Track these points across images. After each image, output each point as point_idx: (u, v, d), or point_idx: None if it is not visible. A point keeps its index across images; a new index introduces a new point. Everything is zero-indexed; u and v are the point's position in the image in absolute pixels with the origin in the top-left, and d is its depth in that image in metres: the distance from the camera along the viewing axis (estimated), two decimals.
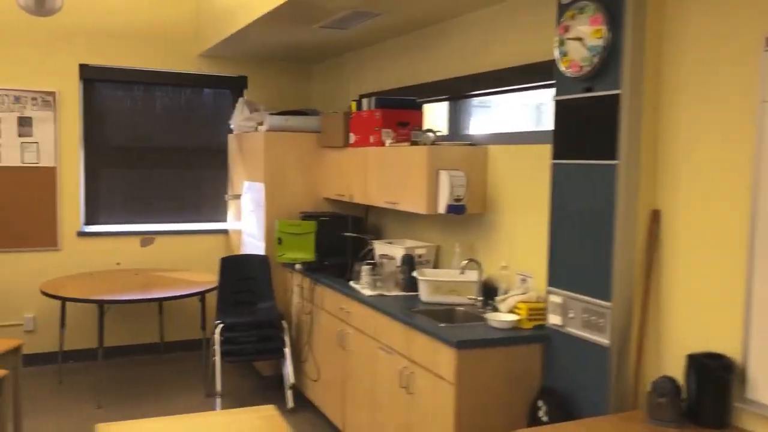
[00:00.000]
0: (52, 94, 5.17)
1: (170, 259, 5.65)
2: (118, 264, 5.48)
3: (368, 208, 4.95)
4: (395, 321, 3.32)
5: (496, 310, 3.25)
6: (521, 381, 2.96)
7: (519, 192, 3.43)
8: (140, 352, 5.60)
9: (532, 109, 3.86)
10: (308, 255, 4.60)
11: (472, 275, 3.49)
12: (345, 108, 5.24)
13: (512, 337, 2.94)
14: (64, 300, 4.51)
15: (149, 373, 5.18)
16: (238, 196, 5.48)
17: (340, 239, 4.61)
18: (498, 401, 2.92)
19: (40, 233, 5.18)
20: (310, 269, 4.48)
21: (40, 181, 5.17)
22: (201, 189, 5.83)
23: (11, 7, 4.98)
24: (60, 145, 5.23)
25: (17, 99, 5.07)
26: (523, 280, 3.35)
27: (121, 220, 5.59)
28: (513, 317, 3.05)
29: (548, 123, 3.56)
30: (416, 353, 3.15)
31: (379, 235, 4.76)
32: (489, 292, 3.49)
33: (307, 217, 4.76)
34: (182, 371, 5.25)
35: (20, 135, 5.09)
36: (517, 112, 3.95)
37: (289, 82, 5.99)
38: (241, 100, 5.43)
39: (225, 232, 5.82)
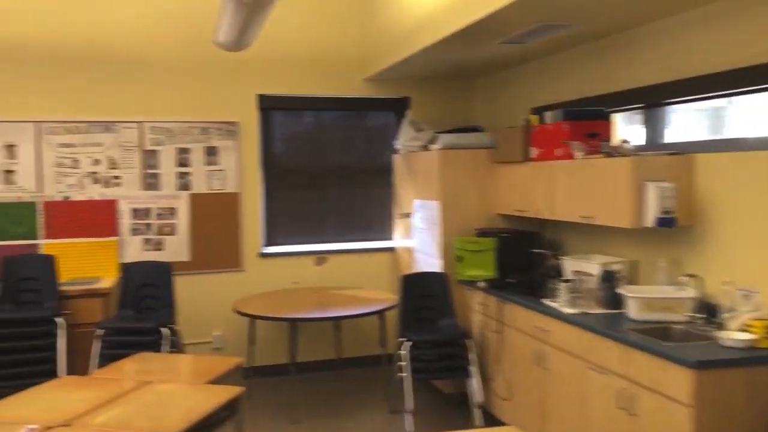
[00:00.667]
0: (234, 124, 5.51)
1: (342, 277, 5.82)
2: (295, 283, 5.72)
3: (544, 223, 4.87)
4: (608, 339, 3.21)
5: (721, 328, 3.07)
6: (761, 403, 2.76)
7: (740, 202, 3.23)
8: (318, 368, 5.79)
9: (708, 115, 3.65)
10: (488, 272, 4.58)
11: (689, 291, 3.32)
12: (512, 122, 5.20)
13: (753, 357, 2.75)
14: (254, 318, 4.75)
15: (330, 389, 5.33)
16: (407, 215, 5.56)
17: (521, 255, 4.55)
18: (737, 424, 2.73)
19: (227, 255, 5.51)
20: (493, 287, 4.45)
21: (226, 207, 5.51)
22: (368, 208, 5.98)
23: (201, 44, 5.37)
24: (242, 172, 5.55)
25: (204, 130, 5.45)
26: (747, 296, 3.13)
27: (297, 241, 5.83)
28: (748, 335, 2.86)
29: (731, 129, 3.34)
30: (637, 373, 3.01)
31: (559, 251, 4.66)
32: (707, 309, 3.30)
33: (483, 233, 4.74)
34: (362, 387, 5.36)
35: (207, 164, 5.46)
36: (691, 118, 3.75)
37: (450, 99, 6.03)
38: (406, 120, 5.53)
39: (392, 249, 5.93)
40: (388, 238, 6.00)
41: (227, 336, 5.54)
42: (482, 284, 4.51)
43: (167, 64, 5.36)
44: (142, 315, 4.86)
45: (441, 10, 4.14)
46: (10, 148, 5.06)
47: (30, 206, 5.09)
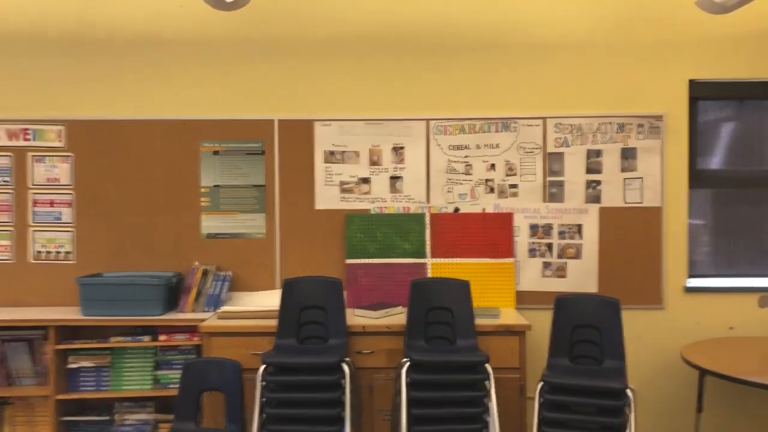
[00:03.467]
0: (659, 118, 4.30)
1: None
2: (731, 329, 4.35)
3: None
4: None
5: None
6: None
7: None
8: None
9: None
10: None
11: None
12: None
13: None
14: (711, 374, 3.48)
15: None
16: None
17: None
18: None
19: (643, 288, 4.30)
20: None
21: (644, 225, 4.29)
22: None
23: (617, 20, 4.25)
24: (666, 180, 4.33)
25: (621, 127, 4.31)
26: None
27: (732, 273, 4.46)
28: None
29: None
30: None
31: None
32: None
33: None
34: None
35: (623, 170, 4.31)
36: None
37: None
38: None
39: None
40: None
41: (647, 394, 4.34)
42: None
43: (575, 46, 4.30)
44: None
45: None
46: (397, 150, 4.36)
47: (419, 219, 4.34)
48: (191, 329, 3.95)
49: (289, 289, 3.70)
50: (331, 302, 3.67)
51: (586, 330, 3.50)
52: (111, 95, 4.35)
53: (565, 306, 3.57)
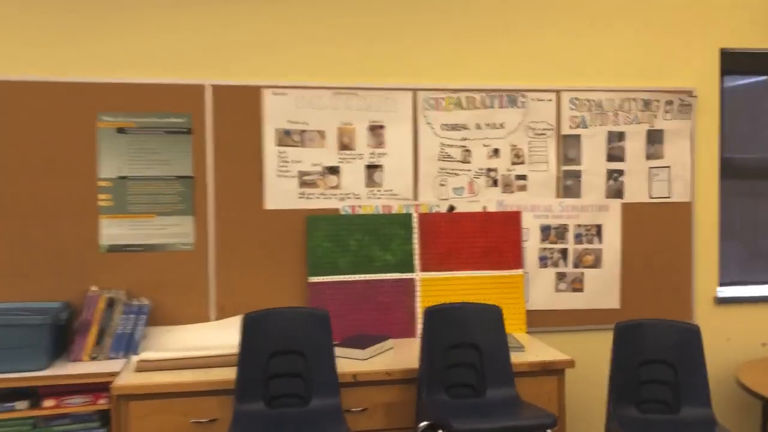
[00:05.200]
0: (690, 93, 3.54)
1: None
2: (763, 345, 3.70)
3: None
4: None
5: None
6: None
7: None
8: None
9: None
10: None
11: None
12: None
13: None
14: None
15: None
16: None
17: None
18: None
19: (669, 298, 3.54)
20: None
21: (671, 224, 3.53)
22: None
23: None
24: (696, 170, 3.59)
25: (646, 104, 3.52)
26: None
27: (762, 280, 3.82)
28: None
29: None
30: None
31: None
32: None
33: None
34: None
35: (648, 157, 3.53)
36: None
37: None
38: None
39: None
40: None
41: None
42: None
43: (593, 7, 3.48)
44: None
45: None
46: (375, 130, 3.30)
47: (404, 221, 3.30)
48: (93, 388, 2.66)
49: (253, 327, 2.53)
50: (314, 344, 2.56)
51: (658, 367, 2.65)
52: None
53: (628, 335, 2.68)
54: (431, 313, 2.67)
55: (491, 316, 2.70)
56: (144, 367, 2.65)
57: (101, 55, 3.05)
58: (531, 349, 2.95)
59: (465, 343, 2.65)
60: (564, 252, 3.43)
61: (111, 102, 3.04)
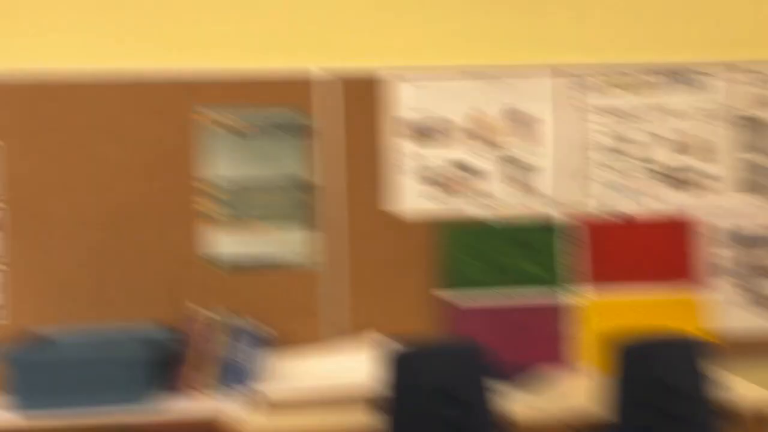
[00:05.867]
0: None
1: None
2: None
3: None
4: None
5: None
6: None
7: None
8: None
9: None
10: None
11: None
12: None
13: None
14: None
15: None
16: None
17: None
18: None
19: None
20: None
21: None
22: None
23: None
24: None
25: None
26: None
27: None
28: None
29: None
30: None
31: None
32: None
33: None
34: None
35: None
36: None
37: None
38: None
39: None
40: None
41: None
42: None
43: None
44: None
45: None
46: (517, 118, 2.79)
47: (557, 230, 2.74)
48: (204, 429, 2.26)
49: (404, 368, 2.03)
50: (471, 384, 2.02)
51: None
52: (47, 38, 2.66)
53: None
54: (631, 350, 2.07)
55: (689, 351, 2.09)
56: (275, 404, 2.20)
57: (199, 41, 2.70)
58: (736, 389, 2.32)
59: (660, 385, 2.05)
60: (755, 269, 2.78)
61: (211, 95, 2.66)
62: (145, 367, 2.26)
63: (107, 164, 2.61)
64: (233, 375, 2.39)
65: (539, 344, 2.64)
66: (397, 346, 2.08)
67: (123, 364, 2.23)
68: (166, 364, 2.47)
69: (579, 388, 2.38)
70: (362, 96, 2.68)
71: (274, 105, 2.66)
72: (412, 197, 2.68)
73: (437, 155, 2.70)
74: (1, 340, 2.50)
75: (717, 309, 2.71)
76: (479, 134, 2.70)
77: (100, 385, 2.20)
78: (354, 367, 2.31)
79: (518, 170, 2.70)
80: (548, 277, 2.68)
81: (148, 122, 2.62)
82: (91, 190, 2.60)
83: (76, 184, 2.60)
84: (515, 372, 2.44)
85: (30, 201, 2.59)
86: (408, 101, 2.68)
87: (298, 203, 2.65)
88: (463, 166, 2.70)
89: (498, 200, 2.69)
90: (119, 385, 2.23)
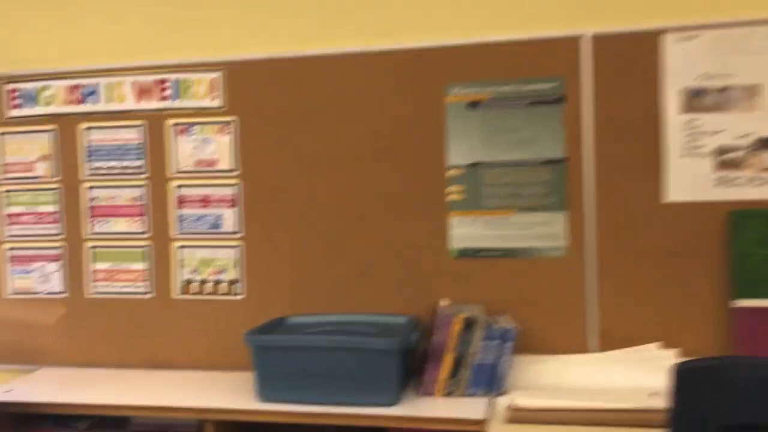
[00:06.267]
0: None
1: None
2: None
3: None
4: None
5: None
6: None
7: None
8: None
9: None
10: None
11: None
12: None
13: None
14: None
15: None
16: None
17: None
18: None
19: None
20: None
21: None
22: None
23: None
24: None
25: None
26: None
27: None
28: None
29: None
30: None
31: None
32: None
33: None
34: None
35: None
36: None
37: None
38: None
39: None
40: None
41: None
42: None
43: None
44: None
45: None
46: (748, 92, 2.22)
47: None
48: None
49: (692, 383, 1.68)
50: None
51: None
52: (286, 23, 2.60)
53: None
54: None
55: None
56: (519, 418, 1.97)
57: (439, 11, 2.47)
58: None
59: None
60: None
61: (460, 71, 2.43)
62: (398, 363, 2.13)
63: (343, 144, 2.51)
64: (479, 377, 2.18)
65: None
66: (692, 364, 1.71)
67: (373, 355, 2.11)
68: (412, 359, 2.33)
69: None
70: (636, 61, 2.29)
71: (529, 78, 2.37)
72: (691, 178, 2.25)
73: (728, 126, 2.23)
74: (239, 316, 2.54)
75: None
76: None
77: (348, 378, 2.11)
78: (607, 374, 1.97)
79: None
80: None
81: (390, 100, 2.47)
82: (328, 170, 2.52)
83: (311, 164, 2.54)
84: None
85: (264, 177, 2.58)
86: (696, 66, 2.24)
87: (556, 187, 2.35)
88: (762, 140, 2.20)
89: None
90: (369, 380, 2.12)
